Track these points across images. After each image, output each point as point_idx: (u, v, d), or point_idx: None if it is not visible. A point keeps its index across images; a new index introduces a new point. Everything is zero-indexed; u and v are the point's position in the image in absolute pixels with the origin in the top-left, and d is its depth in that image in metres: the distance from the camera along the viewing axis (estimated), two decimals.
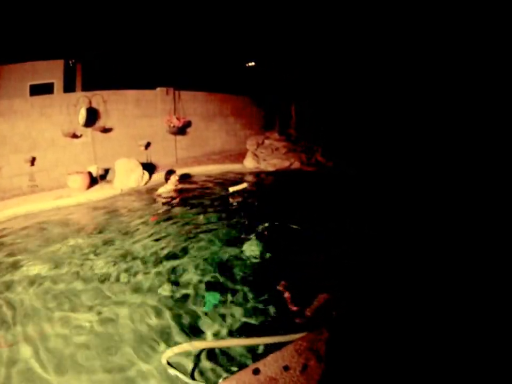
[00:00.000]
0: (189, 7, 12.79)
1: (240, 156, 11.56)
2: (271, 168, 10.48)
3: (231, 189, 7.74)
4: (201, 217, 6.20)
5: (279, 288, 3.85)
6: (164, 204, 7.22)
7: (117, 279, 4.01)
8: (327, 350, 2.34)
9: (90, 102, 9.01)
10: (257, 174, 9.96)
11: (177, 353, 2.54)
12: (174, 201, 7.33)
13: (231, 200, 7.39)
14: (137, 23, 12.41)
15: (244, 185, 8.05)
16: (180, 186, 8.02)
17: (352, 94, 13.44)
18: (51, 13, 10.98)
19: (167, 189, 7.74)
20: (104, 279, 4.01)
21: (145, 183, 8.42)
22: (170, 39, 13.45)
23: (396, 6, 11.59)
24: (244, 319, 3.31)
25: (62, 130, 8.45)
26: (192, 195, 7.74)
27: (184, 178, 8.96)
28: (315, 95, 13.68)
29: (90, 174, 8.02)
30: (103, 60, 12.74)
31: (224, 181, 9.02)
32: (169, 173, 7.71)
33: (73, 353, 2.86)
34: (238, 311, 3.43)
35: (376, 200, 7.31)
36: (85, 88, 11.60)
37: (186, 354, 2.76)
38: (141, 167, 8.38)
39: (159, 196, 7.61)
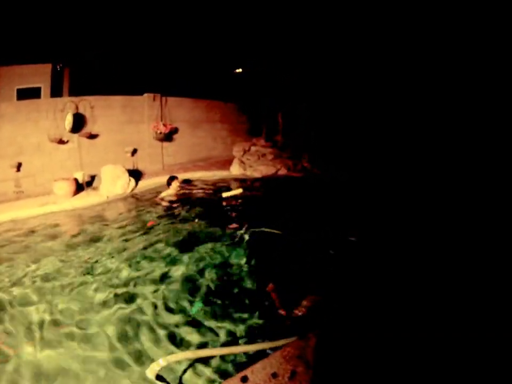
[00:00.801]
0: (177, 13, 12.82)
1: (226, 163, 11.56)
2: (257, 175, 10.51)
3: (224, 195, 7.89)
4: (195, 221, 6.37)
5: (267, 290, 3.92)
6: (163, 208, 7.35)
7: (105, 286, 4.03)
8: (315, 357, 2.34)
9: (77, 108, 8.99)
10: (243, 181, 10.00)
11: (164, 366, 2.47)
12: (172, 206, 7.47)
13: (224, 205, 7.52)
14: (125, 29, 12.41)
15: (239, 190, 8.16)
16: (181, 191, 8.19)
17: (342, 100, 13.58)
18: (40, 16, 10.94)
19: (169, 193, 7.93)
20: (92, 287, 4.01)
21: (132, 190, 8.41)
22: (158, 45, 13.46)
23: (389, 12, 11.76)
24: (232, 325, 3.34)
25: (48, 136, 8.40)
26: (190, 200, 7.85)
27: (184, 183, 9.01)
28: (305, 101, 13.77)
29: (76, 180, 7.98)
30: (91, 65, 12.71)
31: (220, 187, 9.16)
32: (172, 178, 7.95)
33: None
34: (225, 317, 3.46)
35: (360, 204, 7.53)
36: (72, 93, 11.57)
37: (174, 364, 2.75)
38: (127, 174, 8.38)
39: (162, 199, 7.78)
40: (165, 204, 7.60)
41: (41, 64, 11.54)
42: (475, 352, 2.45)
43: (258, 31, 13.56)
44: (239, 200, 7.82)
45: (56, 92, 11.63)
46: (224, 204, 7.60)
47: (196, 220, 6.41)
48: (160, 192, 8.12)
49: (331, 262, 4.64)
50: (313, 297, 3.63)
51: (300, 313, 3.43)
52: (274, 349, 2.54)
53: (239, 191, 8.12)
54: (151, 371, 2.44)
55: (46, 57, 11.57)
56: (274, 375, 2.18)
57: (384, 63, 12.78)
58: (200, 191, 8.74)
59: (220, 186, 9.21)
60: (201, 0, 12.66)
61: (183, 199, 7.88)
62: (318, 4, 12.21)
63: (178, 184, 7.98)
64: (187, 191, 8.45)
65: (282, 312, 3.50)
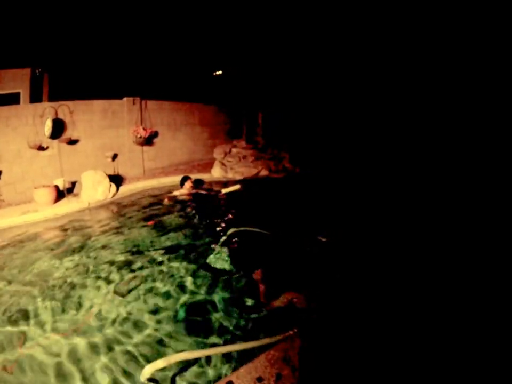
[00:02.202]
0: (155, 16, 12.82)
1: (208, 165, 11.66)
2: (238, 177, 10.61)
3: (223, 190, 8.42)
4: (194, 220, 6.81)
5: (255, 276, 4.05)
6: (162, 207, 7.70)
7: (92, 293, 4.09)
8: (300, 359, 2.37)
9: (56, 113, 8.93)
10: (225, 183, 10.09)
11: (155, 370, 2.44)
12: (183, 204, 7.87)
13: (222, 204, 7.95)
14: (104, 32, 12.37)
15: (237, 186, 8.70)
16: (194, 191, 8.51)
17: (322, 99, 13.77)
18: (18, 20, 10.87)
19: (182, 192, 8.32)
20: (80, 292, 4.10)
21: (113, 196, 8.44)
22: (137, 48, 13.44)
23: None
24: (216, 325, 3.46)
25: (28, 142, 8.33)
26: (198, 200, 8.22)
27: (196, 184, 9.21)
28: (284, 102, 13.90)
29: (57, 187, 7.99)
30: (70, 69, 12.62)
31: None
32: (185, 179, 8.41)
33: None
34: (209, 317, 3.58)
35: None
36: (52, 98, 11.45)
37: (160, 370, 2.71)
38: (108, 179, 8.41)
39: (174, 197, 8.20)
40: (169, 202, 7.99)
41: (20, 69, 11.42)
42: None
43: (237, 33, 13.65)
44: (234, 198, 8.21)
45: (35, 97, 11.50)
46: (222, 202, 8.05)
47: (195, 219, 6.81)
48: (146, 196, 8.61)
49: (309, 260, 4.80)
50: (291, 294, 3.74)
51: (277, 304, 3.59)
52: (261, 347, 2.58)
53: (237, 187, 8.68)
54: (144, 374, 2.43)
55: (25, 62, 11.45)
56: (259, 379, 2.23)
57: (360, 64, 13.00)
58: (210, 192, 9.00)
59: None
60: (180, 4, 12.67)
61: (194, 198, 8.22)
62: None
63: (191, 184, 8.37)
64: (198, 191, 8.67)
65: (264, 302, 3.66)
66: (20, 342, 3.25)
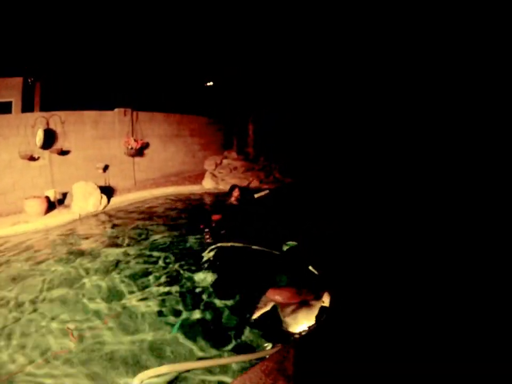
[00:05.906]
0: (146, 27, 12.87)
1: (199, 177, 11.78)
2: None
3: (256, 195, 9.28)
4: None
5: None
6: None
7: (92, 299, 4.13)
8: (295, 370, 2.35)
9: (48, 123, 8.93)
10: (216, 195, 10.17)
11: (147, 378, 2.52)
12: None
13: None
14: (96, 42, 12.39)
15: (267, 191, 9.73)
16: (240, 198, 8.80)
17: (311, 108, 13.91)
18: (10, 29, 10.85)
19: (231, 199, 8.63)
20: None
21: (104, 207, 8.48)
22: (129, 59, 13.46)
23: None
24: (208, 337, 3.49)
25: (19, 152, 8.29)
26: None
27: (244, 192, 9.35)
28: (276, 108, 14.01)
29: (48, 198, 7.97)
30: (63, 79, 12.59)
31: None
32: (233, 188, 8.70)
33: None
34: (202, 331, 3.63)
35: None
36: (44, 108, 11.40)
37: (153, 379, 2.79)
38: (99, 191, 8.45)
39: (228, 204, 8.66)
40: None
41: (12, 77, 11.38)
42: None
43: (229, 34, 13.72)
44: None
45: (27, 107, 11.42)
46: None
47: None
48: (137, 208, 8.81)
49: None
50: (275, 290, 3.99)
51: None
52: (257, 359, 2.64)
53: (266, 192, 9.84)
54: (136, 381, 2.48)
55: (17, 70, 11.42)
56: None
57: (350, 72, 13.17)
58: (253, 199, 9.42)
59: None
60: (172, 14, 12.74)
61: (241, 205, 8.51)
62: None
63: (238, 192, 8.60)
64: (245, 198, 8.95)
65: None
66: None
